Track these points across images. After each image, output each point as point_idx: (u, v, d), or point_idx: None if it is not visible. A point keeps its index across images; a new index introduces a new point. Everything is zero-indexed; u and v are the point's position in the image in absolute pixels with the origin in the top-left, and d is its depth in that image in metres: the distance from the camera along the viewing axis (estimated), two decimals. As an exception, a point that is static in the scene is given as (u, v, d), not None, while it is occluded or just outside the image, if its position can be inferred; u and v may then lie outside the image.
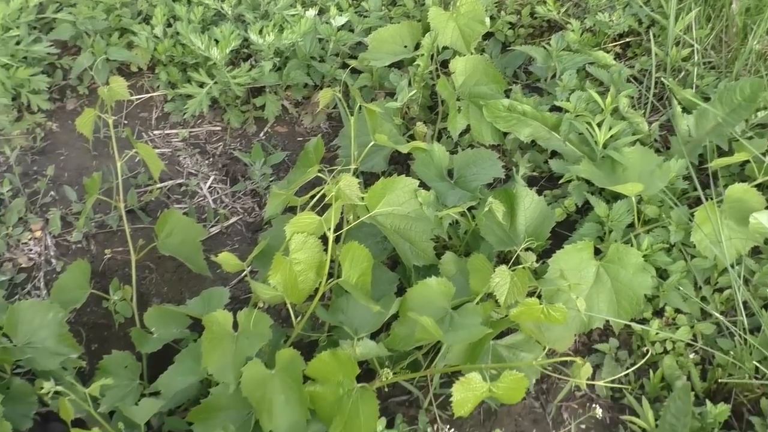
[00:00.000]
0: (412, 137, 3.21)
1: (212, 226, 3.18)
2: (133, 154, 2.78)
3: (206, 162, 3.37)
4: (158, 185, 3.26)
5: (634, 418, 2.59)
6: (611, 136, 2.95)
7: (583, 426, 2.62)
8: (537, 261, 2.57)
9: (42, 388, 2.32)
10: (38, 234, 3.08)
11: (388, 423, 2.52)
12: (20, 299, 2.90)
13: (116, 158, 2.77)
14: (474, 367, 2.33)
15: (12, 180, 3.17)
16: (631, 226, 2.84)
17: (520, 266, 2.47)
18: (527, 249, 2.57)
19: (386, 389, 2.67)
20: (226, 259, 2.55)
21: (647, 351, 2.71)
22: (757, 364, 2.57)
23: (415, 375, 2.53)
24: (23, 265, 3.02)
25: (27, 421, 2.61)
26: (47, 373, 2.62)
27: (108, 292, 2.89)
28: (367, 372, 2.66)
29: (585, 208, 2.99)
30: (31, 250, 3.04)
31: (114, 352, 2.72)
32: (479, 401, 2.19)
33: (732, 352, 2.66)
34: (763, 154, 2.82)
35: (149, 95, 3.55)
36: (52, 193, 3.20)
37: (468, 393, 2.16)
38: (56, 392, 2.23)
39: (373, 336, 2.54)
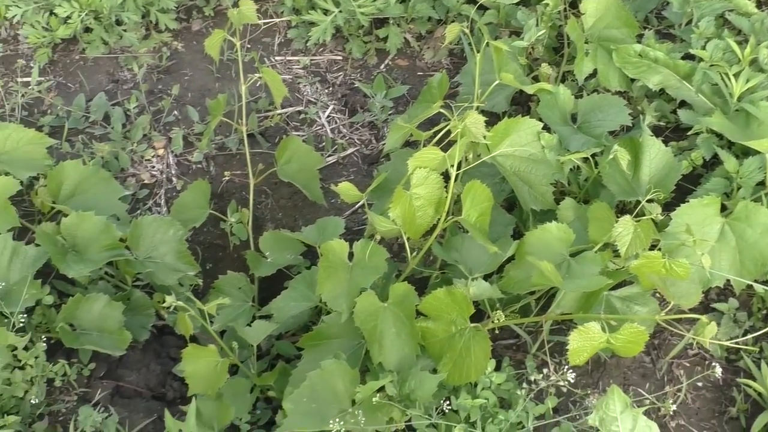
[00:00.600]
0: (535, 78, 3.13)
1: (329, 156, 3.19)
2: (256, 78, 2.79)
3: (326, 91, 3.37)
4: (278, 111, 3.28)
5: (750, 382, 2.52)
6: (747, 89, 2.82)
7: (699, 384, 2.56)
8: (660, 213, 2.50)
9: (163, 301, 2.39)
10: (161, 152, 3.14)
11: (495, 365, 2.51)
12: (142, 214, 2.98)
13: (241, 81, 2.79)
14: (589, 316, 2.29)
15: (138, 97, 3.23)
16: (762, 184, 2.72)
17: (644, 217, 2.41)
18: (650, 200, 2.50)
19: (495, 331, 2.66)
20: (346, 189, 2.56)
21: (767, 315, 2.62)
22: None
23: (527, 320, 2.51)
24: (146, 181, 3.09)
25: (145, 333, 2.71)
26: (165, 288, 2.70)
27: (225, 213, 2.94)
28: (476, 313, 2.65)
29: (712, 163, 2.88)
30: (153, 167, 3.12)
31: (229, 272, 2.79)
32: (595, 351, 2.16)
33: None
34: None
35: (274, 21, 3.55)
36: (175, 112, 3.25)
37: (585, 342, 2.13)
38: (175, 307, 2.29)
39: (486, 278, 2.53)
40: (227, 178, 3.10)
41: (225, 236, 2.98)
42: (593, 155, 2.73)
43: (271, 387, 2.56)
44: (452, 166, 2.40)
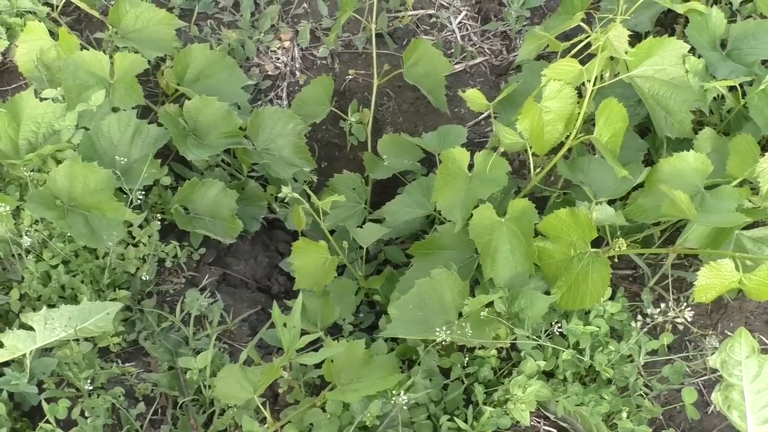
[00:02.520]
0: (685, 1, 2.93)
1: (457, 63, 3.08)
2: (388, -23, 2.68)
3: (460, -5, 3.24)
4: (410, 13, 3.17)
5: None
6: None
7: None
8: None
9: (277, 193, 2.36)
10: (287, 44, 3.09)
11: (610, 295, 2.41)
12: (263, 105, 2.95)
13: (375, -23, 2.69)
14: (717, 252, 2.16)
15: (268, -14, 3.17)
16: None
17: (791, 155, 2.24)
18: (802, 138, 2.32)
19: (614, 260, 2.54)
20: (474, 97, 2.46)
21: None
22: None
23: (652, 251, 2.39)
24: (269, 73, 3.05)
25: (255, 224, 2.71)
26: (279, 181, 2.68)
27: (346, 112, 2.88)
28: (594, 239, 2.54)
29: None
30: (278, 58, 3.07)
31: (345, 172, 2.75)
32: (725, 290, 2.03)
33: None
34: None
35: None
36: (305, 5, 3.18)
37: (715, 279, 2.00)
38: (289, 200, 2.26)
39: (610, 203, 2.41)
40: (351, 76, 3.03)
41: (343, 135, 2.93)
42: (741, 85, 2.54)
43: (377, 291, 2.53)
44: (589, 80, 2.27)
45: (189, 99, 2.66)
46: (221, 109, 2.62)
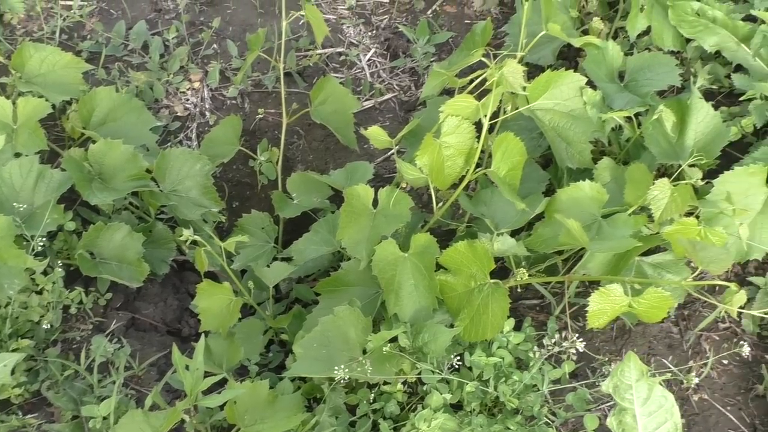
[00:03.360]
0: (586, 33, 3.00)
1: (366, 100, 3.12)
2: (297, 17, 2.71)
3: (369, 33, 3.28)
4: (318, 51, 3.20)
5: (780, 362, 2.42)
6: (809, 56, 2.67)
7: (724, 361, 2.46)
8: (701, 180, 2.39)
9: (182, 235, 2.36)
10: (197, 85, 3.10)
11: (516, 325, 2.45)
12: (172, 147, 2.94)
13: (283, 17, 2.71)
14: (615, 278, 2.20)
15: (178, 27, 3.18)
16: (816, 154, 2.58)
17: (683, 182, 2.30)
18: (692, 165, 2.38)
19: (518, 290, 2.58)
20: (376, 133, 2.49)
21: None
22: None
23: (551, 279, 2.43)
24: (178, 114, 3.05)
25: (164, 266, 2.69)
26: (188, 223, 2.67)
27: (256, 151, 2.89)
28: (501, 270, 2.58)
29: (762, 131, 2.74)
30: (188, 99, 3.07)
31: (254, 211, 2.75)
32: (616, 315, 2.07)
33: None
34: None
35: (321, -42, 3.46)
36: (214, 45, 3.19)
37: (606, 305, 2.04)
38: (194, 242, 2.26)
39: (514, 234, 2.45)
40: (261, 115, 3.05)
41: (254, 175, 2.94)
42: (637, 115, 2.61)
43: (285, 330, 2.52)
44: (485, 116, 2.31)
45: (94, 142, 2.64)
46: (126, 152, 2.61)
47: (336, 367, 2.11)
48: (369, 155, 2.99)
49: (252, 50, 2.81)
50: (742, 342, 2.14)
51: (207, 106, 3.07)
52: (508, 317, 2.33)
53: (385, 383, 2.27)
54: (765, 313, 2.37)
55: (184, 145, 3.00)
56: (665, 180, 2.27)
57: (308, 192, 2.76)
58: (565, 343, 2.13)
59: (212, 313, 2.40)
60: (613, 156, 2.71)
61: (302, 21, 3.21)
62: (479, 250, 2.25)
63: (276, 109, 3.05)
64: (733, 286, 2.03)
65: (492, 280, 2.28)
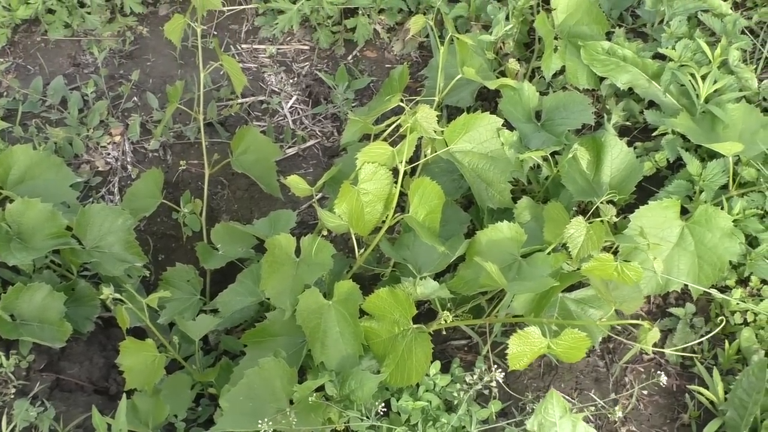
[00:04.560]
0: (503, 74, 3.06)
1: (289, 147, 3.13)
2: (218, 67, 2.72)
3: (290, 81, 3.30)
4: (239, 100, 3.21)
5: (702, 389, 2.46)
6: (715, 91, 2.75)
7: (646, 392, 2.50)
8: (618, 215, 2.44)
9: (100, 294, 2.33)
10: (117, 138, 3.08)
11: (445, 366, 2.46)
12: (94, 203, 2.92)
13: (200, 68, 2.71)
14: (536, 320, 2.23)
15: (97, 82, 3.16)
16: (725, 187, 2.66)
17: (598, 219, 2.34)
18: (609, 202, 2.43)
19: (445, 332, 2.60)
20: (296, 182, 2.49)
21: (723, 320, 2.56)
22: None
23: (475, 322, 2.45)
24: (100, 169, 3.02)
25: (88, 324, 2.65)
26: (111, 279, 2.64)
27: (179, 203, 2.88)
28: (428, 312, 2.60)
29: (677, 165, 2.82)
30: (109, 154, 3.05)
31: (178, 264, 2.73)
32: (536, 356, 2.09)
33: (818, 331, 2.49)
34: None
35: (241, 7, 3.48)
36: (135, 98, 3.19)
37: (525, 347, 2.06)
38: (115, 299, 2.23)
39: (439, 276, 2.47)
40: (183, 167, 3.04)
41: (178, 227, 2.92)
42: (554, 154, 2.67)
43: (213, 384, 2.50)
44: (401, 162, 2.34)
45: (12, 202, 2.61)
46: (44, 210, 2.57)
47: (260, 421, 2.09)
48: (293, 202, 2.99)
49: (171, 102, 2.81)
50: (659, 372, 2.16)
51: (128, 159, 3.05)
52: (435, 360, 2.35)
53: (314, 433, 2.26)
54: (684, 349, 2.43)
55: (107, 200, 2.97)
56: (580, 219, 2.32)
57: (233, 242, 2.75)
58: (486, 377, 2.14)
59: (137, 370, 2.36)
60: (533, 194, 2.75)
61: (223, 71, 3.22)
62: (401, 297, 2.26)
63: (198, 160, 3.04)
64: (646, 324, 2.07)
65: (415, 326, 2.29)
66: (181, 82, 2.86)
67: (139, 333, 2.53)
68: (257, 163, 2.85)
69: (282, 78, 3.30)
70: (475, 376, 2.15)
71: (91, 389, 2.63)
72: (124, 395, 2.12)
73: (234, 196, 3.04)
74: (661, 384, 2.11)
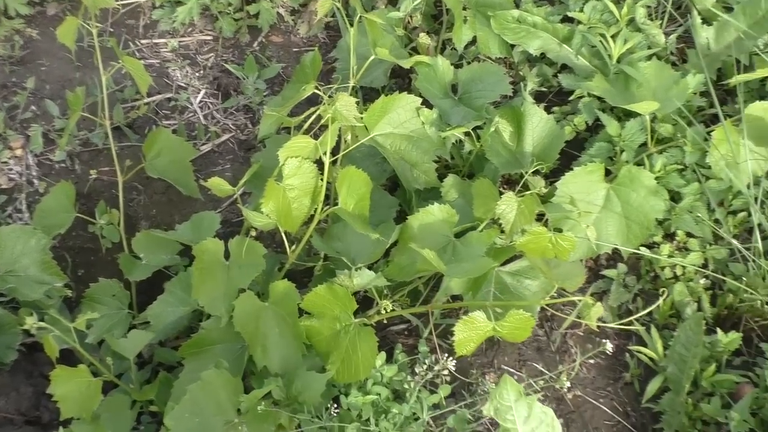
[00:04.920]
0: (414, 49, 3.02)
1: (203, 144, 3.02)
2: (119, 66, 2.59)
3: (197, 74, 3.19)
4: (146, 100, 3.09)
5: (641, 348, 2.50)
6: (627, 50, 2.77)
7: (589, 358, 2.53)
8: (547, 183, 2.44)
9: (25, 321, 2.21)
10: (19, 152, 2.92)
11: (387, 353, 2.44)
12: (2, 224, 2.77)
13: (101, 71, 2.59)
14: (477, 303, 2.22)
15: (-10, 93, 3.00)
16: (644, 145, 2.68)
17: (528, 192, 2.33)
18: (534, 172, 2.43)
19: (386, 319, 2.56)
20: (217, 184, 2.41)
21: (655, 276, 2.60)
22: (771, 290, 2.48)
23: (417, 310, 2.41)
24: (3, 186, 2.87)
25: (11, 353, 2.51)
26: (31, 303, 2.51)
27: (94, 215, 2.76)
28: (365, 300, 2.55)
29: (596, 126, 2.83)
30: (11, 169, 2.89)
31: (101, 279, 2.61)
32: (482, 340, 2.08)
33: (744, 278, 2.54)
34: (787, 70, 2.65)
35: (136, 2, 3.33)
36: (33, 107, 3.03)
37: (471, 332, 2.05)
38: (40, 328, 2.13)
39: (372, 265, 2.43)
40: (94, 176, 2.90)
41: (97, 239, 2.80)
42: (475, 128, 2.64)
43: (153, 401, 2.41)
44: (325, 153, 2.28)
45: None
46: (-51, 238, 2.44)
47: (211, 438, 2.02)
48: (215, 201, 2.90)
49: (73, 110, 2.67)
50: (604, 340, 2.18)
51: (34, 173, 2.90)
52: (379, 351, 2.31)
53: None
54: (620, 313, 2.46)
55: (15, 219, 2.82)
56: (510, 195, 2.31)
57: (156, 250, 2.64)
58: (436, 367, 2.12)
59: (71, 398, 2.25)
60: (458, 170, 2.73)
61: (125, 71, 3.07)
62: (340, 293, 2.22)
63: (110, 167, 2.91)
64: (587, 299, 2.07)
65: (357, 319, 2.25)
66: (81, 88, 2.72)
67: (68, 355, 2.42)
68: (172, 164, 2.74)
69: (187, 72, 3.19)
70: (425, 367, 2.13)
71: (22, 421, 2.50)
72: (61, 428, 2.02)
73: (151, 201, 2.93)
74: (607, 351, 2.12)
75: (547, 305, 2.61)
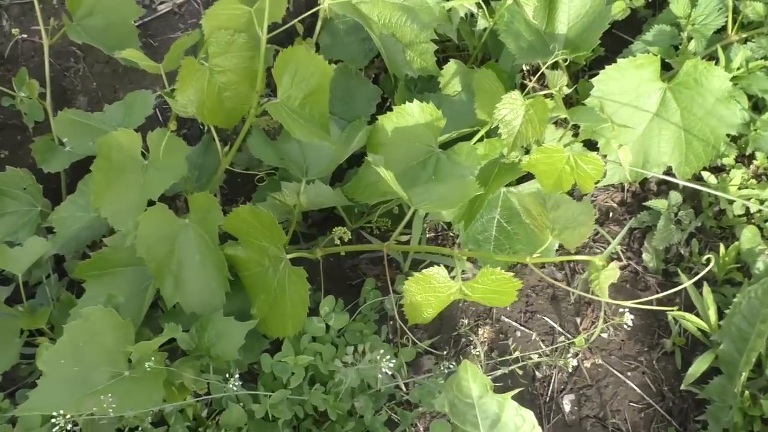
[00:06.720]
0: None
1: (160, 3, 2.42)
2: None
3: None
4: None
5: (687, 315, 1.85)
6: None
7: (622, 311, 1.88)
8: (582, 75, 1.78)
9: None
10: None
11: (356, 288, 1.89)
12: None
13: None
14: (443, 250, 1.62)
15: None
16: (722, 31, 1.97)
17: (542, 93, 1.69)
18: (555, 65, 1.77)
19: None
20: (134, 57, 1.84)
21: (721, 212, 1.95)
22: None
23: (374, 247, 1.80)
24: None
25: None
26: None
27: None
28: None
29: (660, 2, 2.13)
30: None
31: (9, 169, 2.09)
32: (445, 305, 1.50)
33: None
34: None
35: None
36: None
37: (428, 294, 1.46)
38: None
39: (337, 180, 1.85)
40: (18, 36, 2.34)
41: (21, 115, 2.26)
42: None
43: (45, 331, 1.91)
44: (261, 27, 1.65)
45: None
46: None
47: (54, 413, 1.50)
48: (172, 75, 2.31)
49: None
50: (624, 310, 1.56)
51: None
52: (349, 286, 1.75)
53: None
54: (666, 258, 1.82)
55: None
56: (516, 93, 1.66)
57: (83, 135, 2.08)
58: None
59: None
60: (468, 57, 2.08)
61: None
62: (264, 219, 1.63)
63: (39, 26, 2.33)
64: (596, 260, 1.45)
65: (289, 255, 1.67)
66: None
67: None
68: (109, 28, 2.15)
69: None
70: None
71: None
72: None
73: (91, 72, 2.36)
74: (626, 327, 1.52)
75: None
